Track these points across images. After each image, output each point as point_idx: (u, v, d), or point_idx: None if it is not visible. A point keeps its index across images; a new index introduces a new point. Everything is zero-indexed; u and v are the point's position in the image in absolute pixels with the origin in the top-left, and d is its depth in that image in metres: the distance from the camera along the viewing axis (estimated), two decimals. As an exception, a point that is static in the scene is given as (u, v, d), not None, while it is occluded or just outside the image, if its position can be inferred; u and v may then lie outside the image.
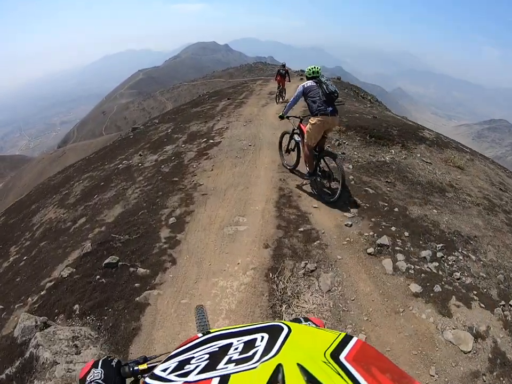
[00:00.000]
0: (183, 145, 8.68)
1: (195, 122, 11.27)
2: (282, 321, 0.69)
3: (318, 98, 5.00)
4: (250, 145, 7.95)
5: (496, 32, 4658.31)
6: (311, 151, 5.31)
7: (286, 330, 0.63)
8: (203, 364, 0.58)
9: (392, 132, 8.53)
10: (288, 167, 6.33)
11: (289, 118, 5.90)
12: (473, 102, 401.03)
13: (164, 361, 0.66)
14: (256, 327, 0.69)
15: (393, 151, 7.56)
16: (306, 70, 5.38)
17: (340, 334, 0.61)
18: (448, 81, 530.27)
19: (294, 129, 5.98)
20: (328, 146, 7.13)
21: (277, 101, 14.45)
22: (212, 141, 8.54)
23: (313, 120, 5.05)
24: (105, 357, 0.90)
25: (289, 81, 16.03)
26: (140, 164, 8.03)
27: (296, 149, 6.06)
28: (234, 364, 0.55)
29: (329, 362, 0.50)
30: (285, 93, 15.24)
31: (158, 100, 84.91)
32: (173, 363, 0.64)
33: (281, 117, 5.79)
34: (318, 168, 5.39)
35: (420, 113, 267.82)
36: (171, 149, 8.58)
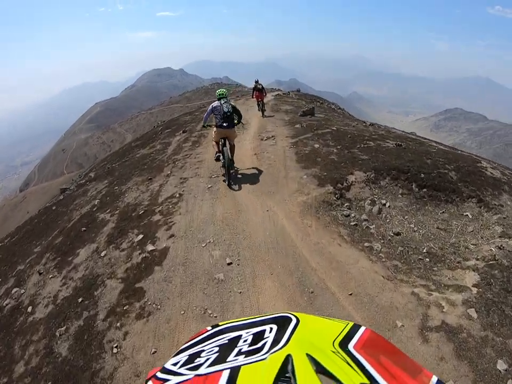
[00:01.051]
0: (103, 253, 5.20)
1: (135, 181, 8.09)
2: (290, 312, 0.69)
3: (219, 116, 7.08)
4: (229, 263, 4.45)
5: (443, 26, 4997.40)
6: (216, 143, 7.58)
7: (294, 321, 0.63)
8: (213, 357, 0.58)
9: (449, 175, 5.63)
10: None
11: (208, 126, 7.50)
12: (428, 96, 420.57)
13: (174, 355, 0.66)
14: (265, 319, 0.69)
15: (469, 213, 4.54)
16: (216, 93, 7.32)
17: (348, 323, 0.62)
18: (401, 79, 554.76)
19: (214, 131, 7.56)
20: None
21: (263, 115, 15.04)
22: (152, 248, 4.96)
23: (215, 129, 7.36)
24: None
25: (266, 95, 16.34)
26: (28, 308, 4.52)
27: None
28: (244, 355, 0.55)
29: (338, 352, 0.51)
30: (265, 107, 15.64)
31: (118, 132, 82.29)
32: (183, 357, 0.64)
33: (204, 126, 7.55)
34: (222, 151, 7.24)
35: (377, 113, 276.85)
36: (83, 264, 5.12)
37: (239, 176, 7.63)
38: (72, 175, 60.61)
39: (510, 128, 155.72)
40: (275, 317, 0.68)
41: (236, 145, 7.83)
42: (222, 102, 7.03)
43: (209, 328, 0.74)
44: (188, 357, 0.63)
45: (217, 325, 0.73)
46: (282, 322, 0.64)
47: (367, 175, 6.29)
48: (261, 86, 15.79)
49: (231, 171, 7.36)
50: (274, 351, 0.53)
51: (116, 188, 8.16)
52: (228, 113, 6.98)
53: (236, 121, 7.29)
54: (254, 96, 15.97)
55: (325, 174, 7.04)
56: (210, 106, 7.12)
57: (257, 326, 0.66)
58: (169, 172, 8.32)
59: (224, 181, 7.23)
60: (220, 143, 7.34)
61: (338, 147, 8.85)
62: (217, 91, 7.25)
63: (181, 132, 13.61)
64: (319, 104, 28.54)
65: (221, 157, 7.36)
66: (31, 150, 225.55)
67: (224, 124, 7.01)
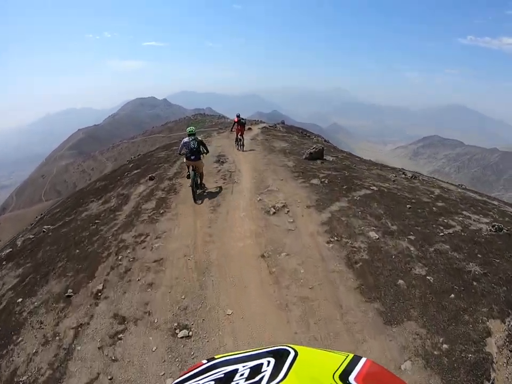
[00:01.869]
0: None
1: (47, 296, 4.97)
2: (288, 344, 0.68)
3: (188, 150, 8.67)
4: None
5: (417, 58, 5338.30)
6: (188, 168, 8.99)
7: (292, 354, 0.62)
8: None
9: None
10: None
11: (181, 154, 8.94)
12: (404, 125, 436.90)
13: None
14: (262, 352, 0.67)
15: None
16: (187, 130, 9.03)
17: (348, 355, 0.61)
18: (378, 109, 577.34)
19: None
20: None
21: (238, 148, 15.25)
22: None
23: (184, 160, 8.91)
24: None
25: (246, 130, 16.57)
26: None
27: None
28: None
29: None
30: (243, 142, 15.51)
31: (98, 160, 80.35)
32: None
33: (179, 154, 9.05)
34: (193, 175, 8.72)
35: (356, 143, 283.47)
36: None
37: None
38: (49, 203, 57.75)
39: (486, 152, 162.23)
40: (273, 350, 0.66)
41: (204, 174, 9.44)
42: (191, 138, 8.64)
43: (204, 361, 0.71)
44: None
45: (213, 358, 0.71)
46: (280, 355, 0.62)
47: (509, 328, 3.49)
48: (243, 121, 15.77)
49: (198, 190, 8.91)
50: None
51: (15, 307, 4.85)
52: (194, 149, 8.57)
53: (203, 153, 8.91)
54: (234, 129, 15.84)
55: (444, 348, 3.67)
56: (182, 141, 8.87)
57: (254, 360, 0.64)
58: (100, 286, 5.08)
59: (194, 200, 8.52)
60: (190, 168, 8.83)
61: (411, 236, 5.65)
62: (187, 128, 9.03)
63: (148, 178, 10.85)
64: (307, 137, 27.67)
65: (193, 184, 8.67)
66: (11, 174, 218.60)
67: (192, 157, 8.62)
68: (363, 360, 0.58)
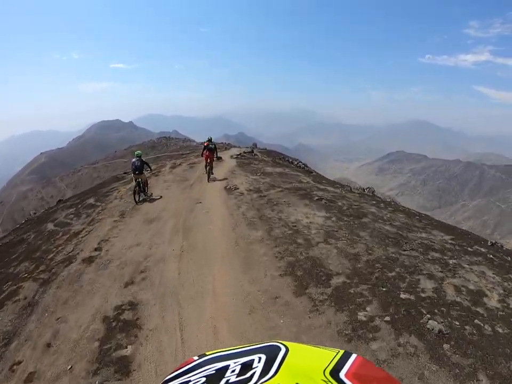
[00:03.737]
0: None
1: None
2: (279, 341, 0.68)
3: (134, 167, 12.09)
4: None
5: (378, 76, 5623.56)
6: (134, 180, 12.31)
7: (283, 350, 0.63)
8: None
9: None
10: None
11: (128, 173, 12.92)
12: (369, 142, 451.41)
13: None
14: (253, 348, 0.67)
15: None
16: (135, 154, 12.70)
17: (339, 351, 0.61)
18: (343, 128, 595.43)
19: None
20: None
21: (208, 179, 14.38)
22: None
23: (132, 175, 12.31)
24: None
25: (216, 156, 15.54)
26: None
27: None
28: None
29: (329, 381, 0.50)
30: (212, 171, 14.71)
31: (58, 187, 77.70)
32: None
33: (125, 172, 15.84)
34: (138, 188, 12.23)
35: (324, 163, 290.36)
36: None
37: None
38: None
39: (450, 163, 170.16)
40: (264, 346, 0.67)
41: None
42: (137, 159, 12.24)
43: (196, 357, 0.71)
44: None
45: (204, 355, 0.71)
46: (271, 352, 0.62)
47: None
48: (213, 146, 14.74)
49: (142, 195, 12.41)
50: (264, 381, 0.52)
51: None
52: (138, 166, 12.10)
53: (147, 169, 12.66)
54: (203, 155, 14.71)
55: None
56: (131, 161, 12.55)
57: (245, 356, 0.64)
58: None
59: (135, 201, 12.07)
60: (135, 180, 12.21)
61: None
62: (135, 152, 13.02)
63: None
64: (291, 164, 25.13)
65: (136, 189, 12.13)
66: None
67: (137, 172, 12.11)
68: (353, 356, 0.59)
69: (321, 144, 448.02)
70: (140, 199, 12.17)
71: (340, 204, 10.57)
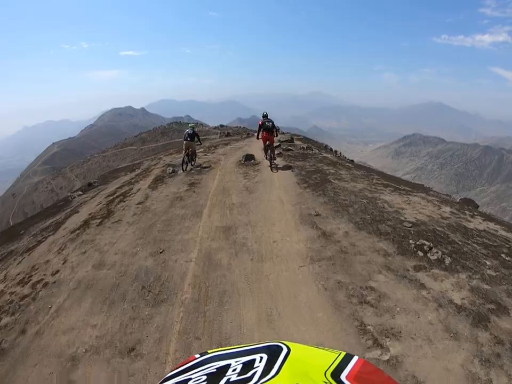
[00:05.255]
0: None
1: None
2: (281, 341, 0.68)
3: (186, 135, 12.58)
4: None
5: (392, 59, 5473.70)
6: (184, 150, 12.44)
7: (285, 350, 0.63)
8: None
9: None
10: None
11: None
12: (383, 125, 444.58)
13: (161, 383, 0.64)
14: (255, 348, 0.67)
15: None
16: (188, 125, 13.41)
17: (341, 353, 0.61)
18: (357, 111, 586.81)
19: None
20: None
21: (271, 167, 11.28)
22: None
23: (184, 143, 12.60)
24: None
25: (277, 136, 12.41)
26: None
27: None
28: None
29: (330, 383, 0.51)
30: (273, 154, 11.53)
31: (67, 178, 75.56)
32: None
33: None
34: (187, 158, 12.52)
35: (338, 146, 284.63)
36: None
37: None
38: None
39: (468, 147, 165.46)
40: (265, 346, 0.66)
41: None
42: (190, 129, 12.68)
43: (197, 355, 0.71)
44: None
45: (206, 353, 0.71)
46: (273, 352, 0.62)
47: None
48: (271, 123, 11.58)
49: (189, 165, 12.50)
50: (265, 381, 0.52)
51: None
52: (190, 134, 12.49)
53: (197, 142, 12.88)
54: (260, 137, 11.77)
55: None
56: (185, 131, 12.81)
57: (247, 355, 0.64)
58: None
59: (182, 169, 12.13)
60: (184, 147, 12.38)
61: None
62: (189, 124, 13.90)
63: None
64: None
65: (185, 158, 12.31)
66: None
67: (188, 139, 12.37)
68: (355, 358, 0.58)
69: (335, 127, 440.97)
70: (188, 168, 12.37)
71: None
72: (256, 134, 12.98)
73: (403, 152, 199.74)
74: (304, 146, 16.82)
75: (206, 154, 15.52)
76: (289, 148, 15.70)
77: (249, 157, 13.17)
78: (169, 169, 12.58)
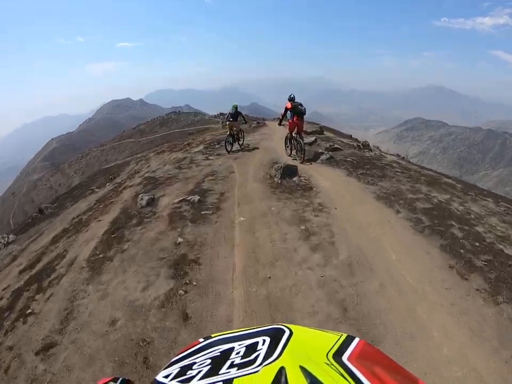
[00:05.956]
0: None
1: None
2: (283, 324, 0.69)
3: (229, 115, 12.23)
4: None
5: (392, 42, 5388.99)
6: (229, 129, 12.09)
7: (287, 333, 0.63)
8: (205, 369, 0.59)
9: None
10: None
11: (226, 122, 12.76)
12: (384, 109, 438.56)
13: (166, 367, 0.66)
14: (258, 331, 0.68)
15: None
16: (232, 106, 12.14)
17: (342, 335, 0.62)
18: (357, 95, 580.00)
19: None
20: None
21: (303, 160, 9.13)
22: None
23: (227, 123, 12.57)
24: (124, 378, 0.81)
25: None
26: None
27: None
28: (236, 368, 0.55)
29: (332, 364, 0.51)
30: (302, 146, 9.19)
31: (66, 174, 73.46)
32: (174, 369, 0.64)
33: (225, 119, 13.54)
34: (232, 138, 11.94)
35: (340, 130, 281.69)
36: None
37: None
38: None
39: (470, 131, 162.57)
40: (268, 329, 0.67)
41: None
42: (232, 109, 12.04)
43: (201, 340, 0.72)
44: (179, 369, 0.63)
45: (210, 337, 0.72)
46: (275, 334, 0.63)
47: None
48: (303, 108, 9.35)
49: (234, 145, 12.02)
50: (268, 364, 0.52)
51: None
52: (233, 114, 11.98)
53: (242, 122, 12.51)
54: (287, 123, 9.75)
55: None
56: (228, 112, 12.43)
57: (250, 338, 0.65)
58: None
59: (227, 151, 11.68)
60: (229, 127, 12.19)
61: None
62: (233, 105, 12.30)
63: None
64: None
65: (229, 139, 12.06)
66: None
67: (231, 119, 12.01)
68: (356, 340, 0.59)
69: (336, 112, 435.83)
70: (233, 149, 12.01)
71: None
72: (279, 120, 10.99)
73: (405, 137, 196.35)
74: (354, 144, 13.11)
75: (206, 159, 11.55)
76: (334, 146, 11.10)
77: (287, 171, 7.89)
78: (142, 202, 7.13)
